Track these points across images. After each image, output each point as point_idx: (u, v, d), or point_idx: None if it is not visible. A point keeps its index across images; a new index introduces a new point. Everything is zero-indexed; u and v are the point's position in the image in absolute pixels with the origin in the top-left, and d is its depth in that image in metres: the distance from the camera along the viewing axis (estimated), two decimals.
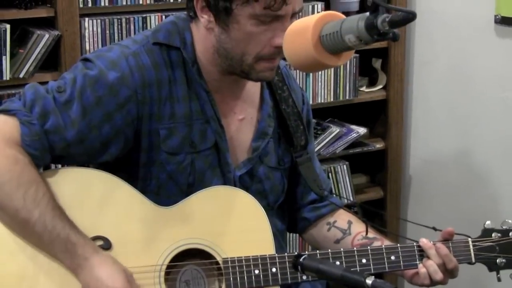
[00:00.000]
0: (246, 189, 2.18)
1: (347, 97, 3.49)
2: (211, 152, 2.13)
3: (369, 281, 1.72)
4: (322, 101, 3.42)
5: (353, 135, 3.48)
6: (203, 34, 2.08)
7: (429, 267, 2.10)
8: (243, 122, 2.19)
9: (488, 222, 2.18)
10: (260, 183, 2.22)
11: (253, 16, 1.98)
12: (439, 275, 2.10)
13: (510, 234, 2.17)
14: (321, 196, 2.32)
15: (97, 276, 1.95)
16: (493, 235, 2.17)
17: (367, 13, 1.65)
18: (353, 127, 3.51)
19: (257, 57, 2.03)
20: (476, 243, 2.16)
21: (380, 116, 3.65)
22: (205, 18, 2.05)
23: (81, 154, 2.05)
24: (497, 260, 2.15)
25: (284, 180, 2.28)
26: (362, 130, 3.51)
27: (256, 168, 2.21)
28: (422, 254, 2.13)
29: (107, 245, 2.02)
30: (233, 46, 2.03)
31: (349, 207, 2.40)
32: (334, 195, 2.42)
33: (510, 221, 2.18)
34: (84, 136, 2.02)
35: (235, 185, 2.17)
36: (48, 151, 2.01)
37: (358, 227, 2.28)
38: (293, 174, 2.31)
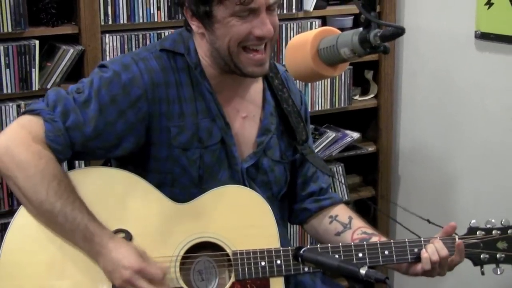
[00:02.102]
0: (253, 180, 2.19)
1: (342, 105, 3.48)
2: (218, 147, 2.14)
3: (363, 271, 1.71)
4: (320, 108, 3.41)
5: (347, 139, 3.48)
6: (199, 40, 2.10)
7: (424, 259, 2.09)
8: (246, 120, 2.20)
9: (473, 221, 2.17)
10: (265, 174, 2.22)
11: (230, 14, 1.99)
12: (428, 265, 2.08)
13: (493, 232, 2.16)
14: (329, 176, 2.32)
15: (113, 259, 1.96)
16: (477, 233, 2.16)
17: (361, 29, 1.65)
18: (348, 132, 3.51)
19: (240, 44, 2.02)
20: (463, 240, 2.14)
21: (372, 122, 3.64)
22: (194, 25, 2.08)
23: (99, 148, 2.06)
24: (481, 256, 2.14)
25: (286, 173, 2.28)
26: (355, 135, 3.51)
27: (261, 160, 2.21)
28: (414, 249, 2.11)
29: (128, 237, 2.02)
30: (220, 43, 2.04)
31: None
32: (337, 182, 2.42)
33: (493, 220, 2.17)
34: (101, 131, 2.03)
35: (242, 177, 2.17)
36: (69, 147, 2.02)
37: (358, 223, 2.27)
38: (293, 168, 2.31)
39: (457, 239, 2.14)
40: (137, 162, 2.11)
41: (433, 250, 2.09)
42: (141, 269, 1.95)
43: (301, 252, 1.87)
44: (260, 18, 2.00)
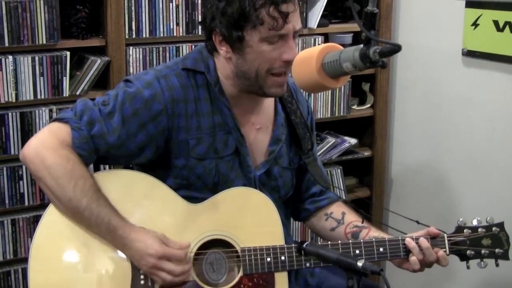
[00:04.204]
0: (264, 185, 2.18)
1: (341, 114, 3.47)
2: (232, 157, 2.13)
3: (360, 263, 1.71)
4: (321, 116, 3.41)
5: (345, 145, 3.47)
6: (223, 63, 2.07)
7: (411, 260, 2.09)
8: (260, 131, 2.19)
9: (461, 219, 2.16)
10: (275, 180, 2.21)
11: (262, 39, 1.97)
12: (417, 266, 2.09)
13: (478, 230, 2.15)
14: (326, 188, 2.32)
15: (138, 249, 1.96)
16: (464, 231, 2.15)
17: (361, 45, 1.65)
18: (346, 138, 3.50)
19: (269, 71, 2.01)
20: (451, 238, 2.14)
21: (368, 129, 3.63)
22: (223, 50, 2.04)
23: (121, 156, 2.06)
24: (467, 252, 2.13)
25: (293, 178, 2.28)
26: (353, 141, 3.50)
27: (272, 168, 2.20)
28: (406, 246, 2.10)
29: None
30: (249, 67, 2.02)
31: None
32: (339, 189, 2.41)
33: (479, 219, 2.17)
34: (123, 142, 2.02)
35: (255, 183, 2.16)
36: (94, 152, 2.01)
37: (351, 218, 2.28)
38: (299, 173, 2.31)
39: (445, 238, 2.14)
40: (157, 168, 2.11)
41: (417, 251, 2.09)
42: (164, 254, 1.96)
43: (303, 246, 1.87)
44: (288, 43, 1.98)
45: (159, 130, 2.05)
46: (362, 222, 2.23)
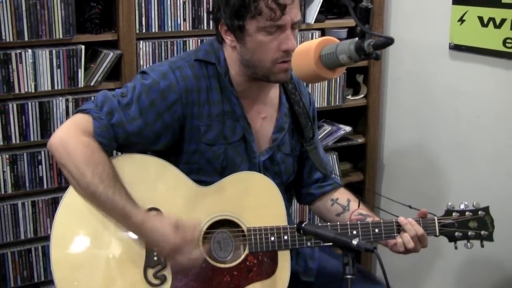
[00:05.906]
0: (267, 170, 2.19)
1: (337, 103, 3.47)
2: (239, 143, 2.13)
3: (354, 242, 1.71)
4: (318, 105, 3.41)
5: (341, 132, 3.47)
6: (230, 52, 2.08)
7: (404, 237, 2.09)
8: (265, 120, 2.19)
9: (449, 203, 2.17)
10: (278, 166, 2.21)
11: (260, 28, 1.97)
12: (411, 244, 2.08)
13: (466, 213, 2.16)
14: (325, 175, 2.31)
15: (152, 237, 1.96)
16: (453, 214, 2.16)
17: (356, 39, 1.64)
18: (341, 126, 3.50)
19: (273, 61, 2.01)
20: (440, 220, 2.14)
21: (362, 118, 3.63)
22: (228, 39, 2.05)
23: (139, 143, 2.05)
24: (455, 234, 2.15)
25: (295, 164, 2.28)
26: (347, 129, 3.50)
27: (275, 154, 2.20)
28: (399, 228, 2.11)
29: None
30: (251, 55, 2.02)
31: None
32: (336, 176, 2.41)
33: (466, 203, 2.18)
34: (141, 130, 2.02)
35: (259, 168, 2.16)
36: (114, 140, 2.01)
37: (355, 205, 2.27)
38: (301, 159, 2.31)
39: (436, 220, 2.14)
40: (170, 154, 2.11)
41: (410, 227, 2.09)
42: (177, 246, 1.94)
43: (302, 225, 1.87)
44: (285, 34, 1.98)
45: (175, 118, 2.05)
46: (359, 206, 2.23)
